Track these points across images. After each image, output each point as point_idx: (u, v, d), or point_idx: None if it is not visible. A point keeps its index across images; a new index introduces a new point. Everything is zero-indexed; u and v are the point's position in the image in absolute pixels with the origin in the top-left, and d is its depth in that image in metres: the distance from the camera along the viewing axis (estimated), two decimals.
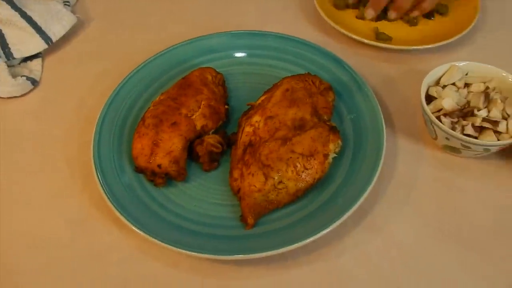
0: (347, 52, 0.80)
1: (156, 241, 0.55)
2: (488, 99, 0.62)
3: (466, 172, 0.64)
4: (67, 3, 0.89)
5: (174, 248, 0.54)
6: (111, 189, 0.60)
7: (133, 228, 0.56)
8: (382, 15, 0.84)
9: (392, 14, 0.83)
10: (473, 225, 0.59)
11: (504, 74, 0.65)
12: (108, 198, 0.59)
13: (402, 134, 0.69)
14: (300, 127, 0.62)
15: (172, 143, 0.62)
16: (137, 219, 0.57)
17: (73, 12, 0.88)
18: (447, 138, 0.61)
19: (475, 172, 0.64)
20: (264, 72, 0.76)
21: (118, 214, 0.57)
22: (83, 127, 0.71)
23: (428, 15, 0.84)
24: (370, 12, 0.83)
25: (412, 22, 0.83)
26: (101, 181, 0.61)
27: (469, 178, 0.63)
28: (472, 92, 0.64)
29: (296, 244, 0.54)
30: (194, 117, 0.65)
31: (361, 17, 0.84)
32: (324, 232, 0.55)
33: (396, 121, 0.70)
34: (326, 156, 0.60)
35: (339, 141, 0.62)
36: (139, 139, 0.63)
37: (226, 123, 0.69)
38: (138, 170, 0.63)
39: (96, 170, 0.62)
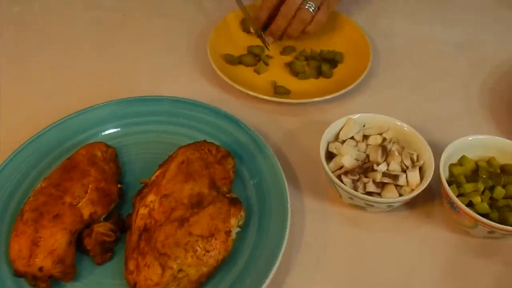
0: (247, 108, 0.78)
1: None
2: (386, 152, 0.62)
3: (374, 227, 0.62)
4: None
5: None
6: None
7: None
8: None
9: (270, 38, 0.86)
10: (386, 283, 0.57)
11: (399, 124, 0.65)
12: None
13: (308, 192, 0.66)
14: (197, 204, 0.57)
15: (55, 240, 0.55)
16: None
17: None
18: (350, 198, 0.59)
19: (383, 225, 0.63)
20: (160, 140, 0.71)
21: None
22: None
23: (332, 64, 0.84)
24: (270, 38, 0.87)
25: (302, 76, 0.82)
26: None
27: (377, 232, 0.62)
28: (370, 145, 0.64)
29: None
30: (80, 205, 0.58)
31: (258, 72, 0.82)
32: None
33: (300, 177, 0.68)
34: (228, 233, 0.56)
35: (242, 213, 0.59)
36: (16, 239, 0.55)
37: (121, 204, 0.63)
38: (17, 274, 0.55)
39: None
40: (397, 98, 0.80)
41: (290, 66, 0.83)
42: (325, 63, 0.83)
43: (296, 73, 0.82)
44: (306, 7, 0.81)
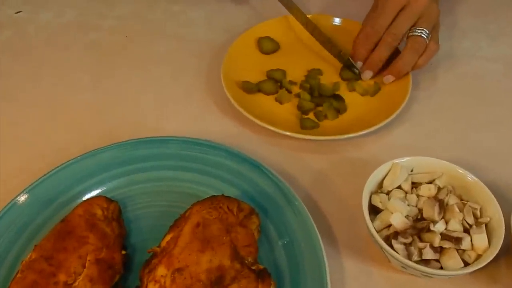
0: (268, 144, 0.67)
1: None
2: (443, 207, 0.51)
3: None
4: None
5: None
6: None
7: None
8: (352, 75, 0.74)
9: (389, 78, 0.71)
10: None
11: (460, 171, 0.54)
12: None
13: (347, 251, 0.56)
14: (218, 280, 0.47)
15: None
16: None
17: None
18: (403, 267, 0.49)
19: None
20: (169, 189, 0.61)
21: None
22: None
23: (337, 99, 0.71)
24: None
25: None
26: None
27: None
28: (422, 196, 0.53)
29: None
30: (76, 284, 0.48)
31: (280, 101, 0.72)
32: None
33: (337, 232, 0.58)
34: None
35: (272, 287, 0.48)
36: None
37: (126, 274, 0.53)
38: None
39: None
40: (441, 128, 0.69)
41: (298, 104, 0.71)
42: (330, 101, 0.70)
43: (305, 112, 0.70)
44: (418, 33, 0.68)
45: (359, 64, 0.73)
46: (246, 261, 0.49)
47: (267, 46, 0.79)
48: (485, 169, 0.60)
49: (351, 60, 0.74)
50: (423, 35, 0.68)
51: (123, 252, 0.53)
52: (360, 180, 0.55)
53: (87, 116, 0.73)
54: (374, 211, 0.54)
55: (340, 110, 0.69)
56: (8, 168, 0.66)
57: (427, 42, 0.69)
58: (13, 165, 0.66)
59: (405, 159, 0.55)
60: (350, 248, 0.56)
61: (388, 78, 0.71)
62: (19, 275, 0.49)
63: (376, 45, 0.71)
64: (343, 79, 0.75)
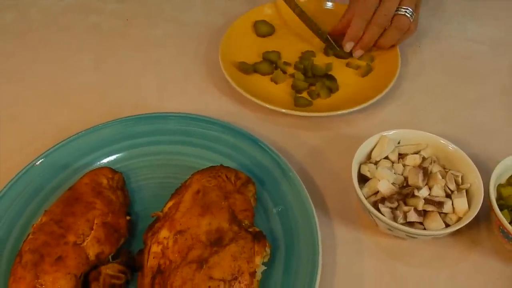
0: (265, 122, 0.71)
1: None
2: (427, 175, 0.55)
3: (415, 260, 0.55)
4: None
5: None
6: None
7: None
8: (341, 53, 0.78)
9: (357, 52, 0.76)
10: None
11: (442, 142, 0.58)
12: None
13: (338, 219, 0.60)
14: (217, 241, 0.50)
15: (59, 287, 0.48)
16: None
17: None
18: (389, 229, 0.52)
19: (425, 258, 0.56)
20: (170, 163, 0.64)
21: None
22: None
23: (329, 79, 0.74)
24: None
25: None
26: None
27: (419, 266, 0.55)
28: (408, 166, 0.57)
29: None
30: (85, 244, 0.51)
31: (276, 81, 0.75)
32: None
33: (329, 202, 0.61)
34: (253, 274, 0.49)
35: (267, 249, 0.52)
36: (15, 285, 0.49)
37: (130, 239, 0.56)
38: None
39: None
40: (429, 105, 0.73)
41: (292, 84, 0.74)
42: (322, 80, 0.74)
43: (299, 91, 0.73)
44: (402, 12, 0.71)
45: (349, 44, 0.76)
46: (243, 224, 0.53)
47: (263, 29, 0.83)
48: (470, 143, 0.64)
49: (330, 38, 0.78)
50: (407, 14, 0.71)
51: (128, 218, 0.56)
52: (351, 155, 0.58)
53: (88, 96, 0.76)
54: (363, 180, 0.57)
55: (332, 89, 0.73)
56: (11, 145, 0.69)
57: (411, 21, 0.72)
58: (15, 143, 0.69)
59: (392, 132, 0.59)
60: (341, 217, 0.60)
61: (359, 52, 0.76)
62: (31, 236, 0.52)
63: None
64: (327, 54, 0.79)
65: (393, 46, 0.76)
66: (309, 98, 0.72)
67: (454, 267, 0.55)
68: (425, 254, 0.56)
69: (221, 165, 0.58)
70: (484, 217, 0.58)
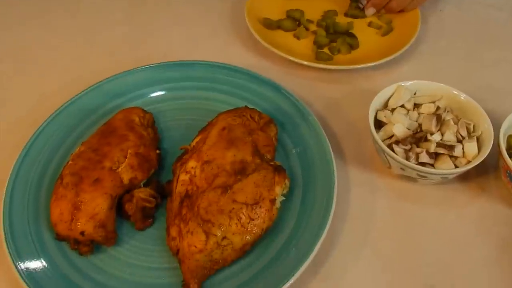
0: (287, 75, 0.74)
1: None
2: (440, 122, 0.58)
3: (424, 201, 0.59)
4: None
5: None
6: (28, 266, 0.51)
7: None
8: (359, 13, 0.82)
9: (369, 10, 0.81)
10: (436, 262, 0.54)
11: (455, 92, 0.61)
12: (24, 279, 0.50)
13: (353, 163, 0.63)
14: (241, 171, 0.55)
15: (96, 205, 0.53)
16: None
17: None
18: (402, 169, 0.56)
19: (434, 200, 0.59)
20: (197, 106, 0.68)
21: None
22: None
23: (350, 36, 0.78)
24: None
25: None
26: (14, 259, 0.51)
27: (428, 207, 0.59)
28: (422, 114, 0.60)
29: None
30: (119, 169, 0.56)
31: (298, 37, 0.78)
32: None
33: (345, 148, 0.65)
34: (273, 201, 0.53)
35: (287, 182, 0.56)
36: (57, 203, 0.54)
37: (159, 170, 0.61)
38: (59, 238, 0.53)
39: (7, 244, 0.52)
40: (447, 66, 0.75)
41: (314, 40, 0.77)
42: (343, 37, 0.77)
43: (320, 46, 0.76)
44: None
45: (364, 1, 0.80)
46: (265, 158, 0.57)
47: None
48: (484, 101, 0.66)
49: None
50: None
51: (158, 151, 0.61)
52: (368, 107, 0.61)
53: (120, 46, 0.81)
54: (379, 126, 0.61)
55: (353, 46, 0.76)
56: (51, 87, 0.74)
57: None
58: (55, 85, 0.74)
59: (409, 83, 0.62)
60: (356, 162, 0.63)
61: (371, 9, 0.81)
62: (70, 162, 0.57)
63: None
64: (347, 16, 0.82)
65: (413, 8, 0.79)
66: (330, 53, 0.75)
67: (461, 210, 0.58)
68: (434, 197, 0.59)
69: (246, 106, 0.62)
70: (493, 166, 0.61)
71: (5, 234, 0.53)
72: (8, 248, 0.52)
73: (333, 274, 0.53)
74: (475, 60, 0.76)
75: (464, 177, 0.60)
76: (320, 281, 0.52)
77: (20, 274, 0.50)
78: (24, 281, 0.49)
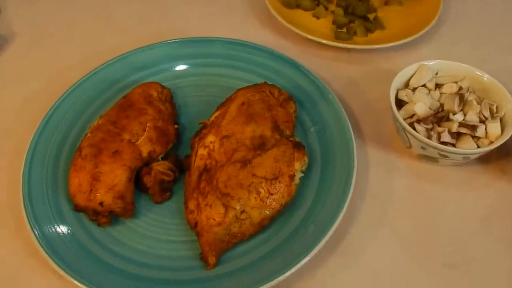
0: (306, 54, 0.73)
1: None
2: (463, 101, 0.57)
3: (444, 182, 0.59)
4: None
5: None
6: (46, 235, 0.51)
7: (75, 282, 0.48)
8: None
9: None
10: (454, 242, 0.54)
11: (478, 73, 0.60)
12: (42, 247, 0.50)
13: (372, 143, 0.63)
14: (260, 146, 0.54)
15: (115, 176, 0.53)
16: (78, 270, 0.49)
17: None
18: (423, 148, 0.55)
19: (453, 181, 0.59)
20: (215, 83, 0.68)
21: (55, 266, 0.49)
22: (10, 161, 0.61)
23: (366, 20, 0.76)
24: None
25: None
26: (33, 227, 0.52)
27: (447, 188, 0.58)
28: (445, 93, 0.59)
29: (266, 285, 0.47)
30: (138, 142, 0.56)
31: (318, 16, 0.77)
32: (297, 267, 0.48)
33: (364, 128, 0.65)
34: (292, 177, 0.53)
35: (306, 158, 0.56)
36: (75, 174, 0.54)
37: (177, 145, 0.61)
38: (77, 209, 0.54)
39: (26, 214, 0.53)
40: (467, 48, 0.74)
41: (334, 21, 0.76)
42: (360, 20, 0.75)
43: (340, 26, 0.75)
44: None
45: None
46: (285, 134, 0.56)
47: None
48: (506, 84, 0.65)
49: None
50: None
51: (176, 125, 0.60)
52: (387, 87, 0.60)
53: (138, 23, 0.80)
54: (400, 106, 0.60)
55: (371, 29, 0.75)
56: (69, 61, 0.74)
57: None
58: (73, 59, 0.74)
59: (431, 62, 0.61)
60: (375, 141, 0.63)
61: None
62: (89, 135, 0.57)
63: None
64: None
65: None
66: (348, 34, 0.74)
67: (481, 191, 0.58)
68: (454, 178, 0.59)
69: (265, 82, 0.62)
70: None
71: (24, 205, 0.53)
72: (27, 218, 0.52)
73: (351, 251, 0.53)
74: (496, 43, 0.75)
75: (485, 159, 0.60)
76: (338, 257, 0.52)
77: (39, 242, 0.50)
78: (43, 249, 0.50)
